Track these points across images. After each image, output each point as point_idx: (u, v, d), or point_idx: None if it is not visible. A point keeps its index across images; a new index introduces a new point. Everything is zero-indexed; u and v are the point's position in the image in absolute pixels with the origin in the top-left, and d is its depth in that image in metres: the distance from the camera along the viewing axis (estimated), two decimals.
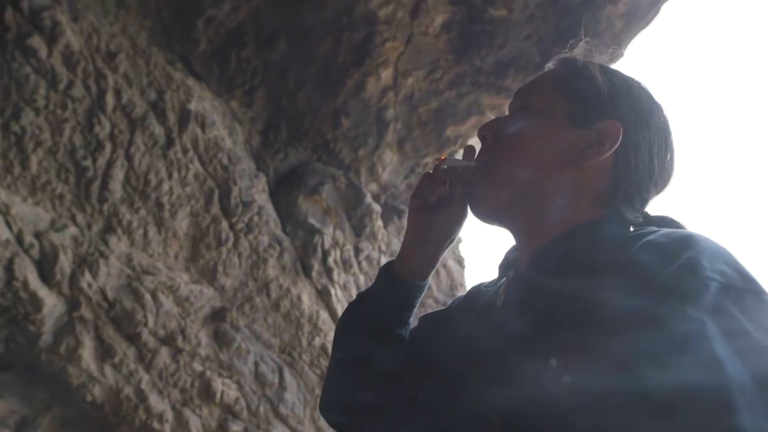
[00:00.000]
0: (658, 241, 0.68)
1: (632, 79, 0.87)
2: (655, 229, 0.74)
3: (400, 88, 3.90)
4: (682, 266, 0.62)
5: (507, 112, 0.93)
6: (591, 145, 0.80)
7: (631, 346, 0.61)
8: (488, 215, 0.86)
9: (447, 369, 0.86)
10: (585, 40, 0.91)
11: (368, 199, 4.10)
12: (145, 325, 3.16)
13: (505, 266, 0.90)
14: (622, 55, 3.67)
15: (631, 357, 0.60)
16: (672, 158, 0.85)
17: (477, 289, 0.98)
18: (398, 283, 0.95)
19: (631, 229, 0.81)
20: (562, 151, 0.81)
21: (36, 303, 2.91)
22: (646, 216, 0.83)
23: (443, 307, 1.07)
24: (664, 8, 3.46)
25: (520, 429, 0.68)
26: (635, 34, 3.59)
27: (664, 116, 0.85)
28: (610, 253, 0.72)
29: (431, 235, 0.92)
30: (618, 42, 3.55)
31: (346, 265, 3.96)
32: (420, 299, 0.98)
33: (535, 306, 0.76)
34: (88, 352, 3.02)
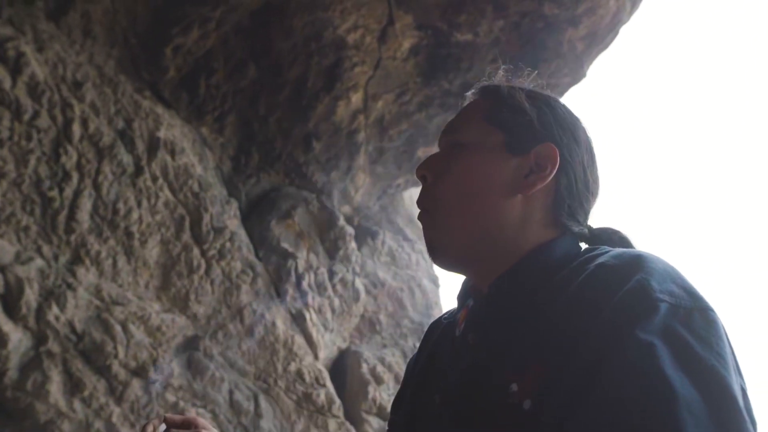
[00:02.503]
0: (609, 263, 0.70)
1: (554, 99, 0.90)
2: (606, 249, 0.76)
3: (371, 111, 3.94)
4: (632, 289, 0.64)
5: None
6: (532, 170, 0.82)
7: (585, 370, 0.62)
8: (450, 264, 0.87)
9: (411, 400, 0.87)
10: (503, 67, 0.93)
11: (341, 221, 4.10)
12: (116, 356, 3.09)
13: (464, 296, 0.91)
14: (584, 75, 3.78)
15: (585, 381, 0.62)
16: (597, 167, 0.88)
17: (438, 322, 0.99)
18: None
19: (582, 245, 0.84)
20: (506, 181, 0.82)
21: (0, 338, 2.83)
22: (591, 229, 0.85)
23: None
24: (623, 31, 3.58)
25: None
26: (596, 55, 3.70)
27: (584, 129, 0.88)
28: (565, 277, 0.74)
29: None
30: (580, 63, 3.65)
31: (320, 288, 3.94)
32: None
33: (494, 333, 0.77)
34: (56, 387, 2.94)
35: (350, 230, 4.11)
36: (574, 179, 0.83)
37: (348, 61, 3.64)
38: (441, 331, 0.93)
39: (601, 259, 0.72)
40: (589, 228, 0.85)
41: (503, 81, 0.91)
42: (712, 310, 0.64)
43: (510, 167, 0.83)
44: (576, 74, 3.71)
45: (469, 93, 0.94)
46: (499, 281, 0.81)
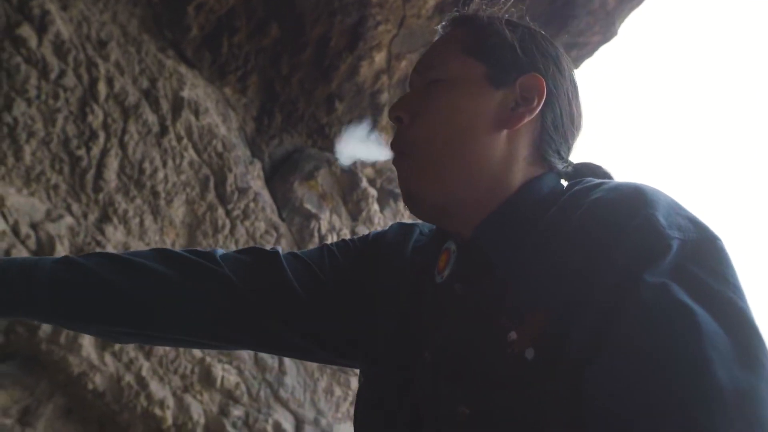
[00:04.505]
0: (609, 197, 0.64)
1: (533, 27, 0.82)
2: (590, 180, 0.71)
3: (394, 71, 3.88)
4: (641, 227, 0.59)
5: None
6: (518, 103, 0.76)
7: (602, 315, 0.57)
8: (431, 212, 0.79)
9: (391, 354, 0.78)
10: None
11: (364, 183, 4.10)
12: None
13: (441, 239, 0.81)
14: (615, 33, 3.66)
15: (602, 326, 0.57)
16: (581, 99, 0.82)
17: (401, 245, 0.88)
18: None
19: (563, 182, 0.78)
20: (491, 116, 0.75)
21: None
22: (573, 165, 0.80)
23: (394, 234, 0.92)
24: None
25: (491, 414, 0.62)
26: (629, 12, 3.57)
27: (567, 59, 0.82)
28: (556, 215, 0.68)
29: None
30: (611, 20, 3.53)
31: None
32: None
33: (484, 280, 0.71)
34: (88, 341, 3.03)
35: (373, 192, 4.11)
36: (560, 112, 0.77)
37: (371, 20, 3.57)
38: (410, 271, 0.83)
39: (596, 194, 0.66)
40: (572, 165, 0.80)
41: (479, 11, 0.83)
42: (718, 239, 0.60)
43: (494, 101, 0.76)
44: (607, 32, 3.59)
45: (439, 26, 0.86)
46: (485, 224, 0.74)
